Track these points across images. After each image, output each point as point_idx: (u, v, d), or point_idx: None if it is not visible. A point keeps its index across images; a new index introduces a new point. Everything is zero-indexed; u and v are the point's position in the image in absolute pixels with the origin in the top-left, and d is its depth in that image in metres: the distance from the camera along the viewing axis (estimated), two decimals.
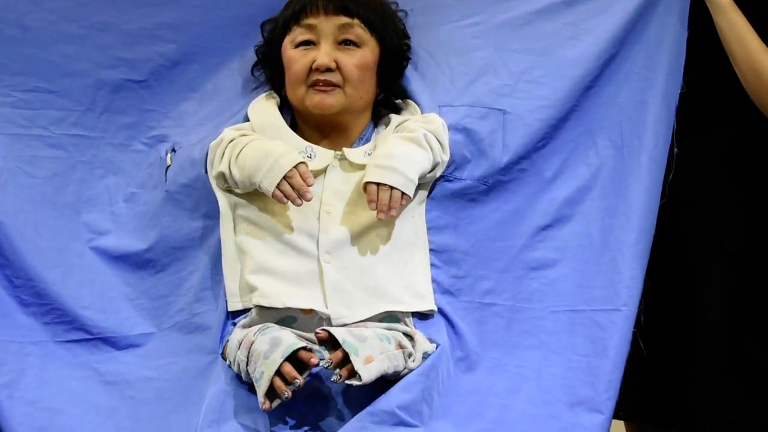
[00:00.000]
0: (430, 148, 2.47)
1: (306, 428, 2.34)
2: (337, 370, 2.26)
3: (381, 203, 2.38)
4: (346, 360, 2.27)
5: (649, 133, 2.56)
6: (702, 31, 2.61)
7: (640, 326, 2.49)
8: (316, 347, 2.33)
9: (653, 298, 2.56)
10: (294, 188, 2.37)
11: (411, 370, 2.34)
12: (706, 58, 2.62)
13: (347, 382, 2.26)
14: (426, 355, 2.38)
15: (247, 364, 2.33)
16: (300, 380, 2.24)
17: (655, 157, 2.56)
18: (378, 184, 2.39)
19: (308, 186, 2.37)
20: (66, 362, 2.44)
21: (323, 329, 2.29)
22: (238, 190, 2.46)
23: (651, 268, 2.52)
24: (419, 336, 2.40)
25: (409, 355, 2.35)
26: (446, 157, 2.50)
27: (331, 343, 2.29)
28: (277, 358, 2.26)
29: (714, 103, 2.65)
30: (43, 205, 2.53)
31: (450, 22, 2.64)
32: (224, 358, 2.41)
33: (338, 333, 2.28)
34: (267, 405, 2.26)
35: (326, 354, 2.30)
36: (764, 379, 2.61)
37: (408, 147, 2.44)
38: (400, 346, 2.35)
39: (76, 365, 2.44)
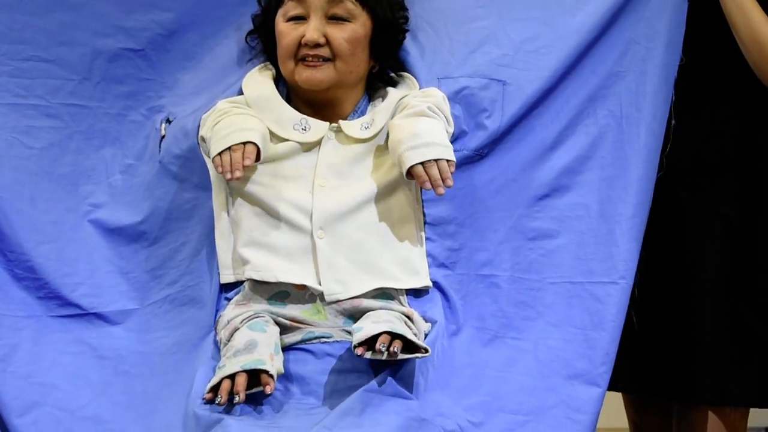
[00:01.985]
0: (437, 114, 2.45)
1: (305, 397, 2.34)
2: (392, 347, 2.22)
3: (434, 179, 2.35)
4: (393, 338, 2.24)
5: (648, 104, 2.53)
6: (703, 2, 2.57)
7: (634, 299, 2.47)
8: (301, 336, 2.35)
9: (648, 270, 2.54)
10: (231, 162, 2.34)
11: None
12: (706, 29, 2.60)
13: (417, 356, 2.25)
14: (425, 335, 2.38)
15: (224, 345, 2.33)
16: (241, 397, 2.22)
17: (653, 128, 2.53)
18: (422, 164, 2.36)
19: (243, 165, 2.33)
20: (60, 337, 2.44)
21: (360, 347, 2.23)
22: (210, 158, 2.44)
23: (646, 240, 2.50)
24: (417, 316, 2.39)
25: (414, 335, 2.34)
26: (451, 129, 2.48)
27: (370, 342, 2.25)
28: (238, 363, 2.25)
29: (714, 74, 2.63)
30: (40, 176, 2.52)
31: None
32: (216, 334, 2.41)
33: (373, 328, 2.24)
34: (209, 396, 2.25)
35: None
36: (761, 348, 2.60)
37: (423, 121, 2.41)
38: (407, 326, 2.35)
39: (69, 340, 2.44)
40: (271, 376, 2.25)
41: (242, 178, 2.40)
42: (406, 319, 2.37)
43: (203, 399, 2.25)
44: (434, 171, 2.36)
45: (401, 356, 2.23)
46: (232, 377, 2.24)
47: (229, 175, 2.34)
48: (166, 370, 2.42)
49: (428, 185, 2.35)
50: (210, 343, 2.41)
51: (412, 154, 2.36)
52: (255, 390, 2.25)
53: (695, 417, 2.65)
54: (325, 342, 2.38)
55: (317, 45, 2.42)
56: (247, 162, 2.34)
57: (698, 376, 2.60)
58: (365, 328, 2.26)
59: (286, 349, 2.37)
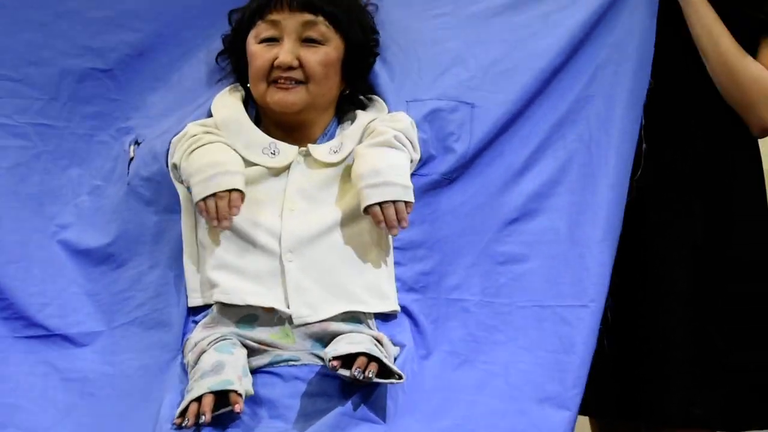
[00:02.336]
0: (404, 145, 2.44)
1: (273, 421, 2.31)
2: (367, 370, 2.22)
3: (389, 221, 2.36)
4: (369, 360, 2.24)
5: (617, 128, 2.54)
6: (672, 26, 2.59)
7: (606, 323, 2.47)
8: (269, 359, 2.34)
9: (620, 294, 2.54)
10: (217, 210, 2.34)
11: None
12: (675, 53, 2.61)
13: (392, 381, 2.24)
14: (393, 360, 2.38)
15: (191, 369, 2.32)
16: (206, 417, 2.20)
17: (622, 152, 2.54)
18: (380, 204, 2.36)
19: (231, 215, 2.34)
20: (24, 358, 2.41)
21: (336, 360, 2.23)
22: (184, 185, 2.43)
23: (618, 264, 2.50)
24: (386, 339, 2.39)
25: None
26: (417, 156, 2.48)
27: (346, 360, 2.24)
28: (205, 385, 2.23)
29: (683, 98, 2.64)
30: (6, 196, 2.49)
31: (420, 12, 2.61)
32: (183, 356, 2.39)
33: (349, 348, 2.24)
34: (178, 421, 2.23)
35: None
36: (727, 371, 2.60)
37: (387, 154, 2.41)
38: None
39: (35, 361, 2.41)
40: (240, 395, 2.23)
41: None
42: (377, 343, 2.36)
43: (173, 424, 2.23)
44: (390, 212, 2.36)
45: (375, 380, 2.22)
46: (198, 399, 2.22)
47: (215, 223, 2.34)
48: (132, 392, 2.40)
49: (382, 226, 2.36)
50: (177, 366, 2.39)
51: (370, 193, 2.37)
52: (223, 410, 2.23)
53: None
54: (293, 365, 2.36)
55: (290, 68, 2.42)
56: (235, 212, 2.34)
57: (665, 397, 2.60)
58: (340, 347, 2.26)
59: (254, 372, 2.34)
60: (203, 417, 2.20)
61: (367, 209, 2.37)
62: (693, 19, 2.58)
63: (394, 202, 2.37)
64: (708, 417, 2.60)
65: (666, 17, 2.57)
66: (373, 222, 2.37)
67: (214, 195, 2.34)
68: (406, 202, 2.38)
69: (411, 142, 2.47)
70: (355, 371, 2.20)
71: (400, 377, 2.25)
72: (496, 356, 2.44)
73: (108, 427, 2.35)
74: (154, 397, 2.34)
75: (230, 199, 2.35)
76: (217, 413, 2.22)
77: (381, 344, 2.36)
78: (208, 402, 2.21)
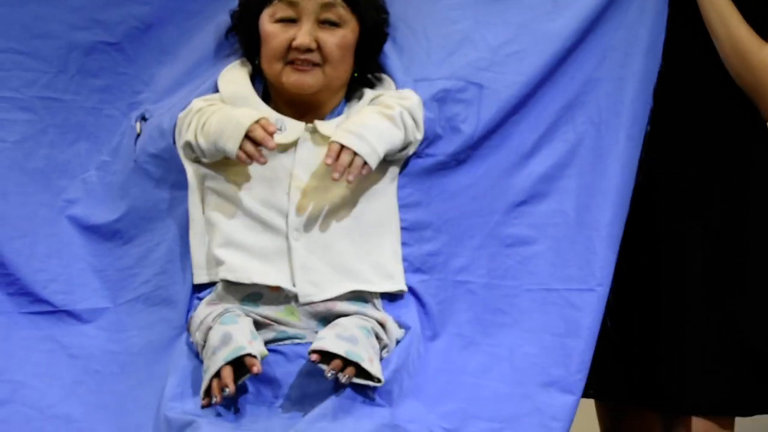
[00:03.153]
0: (405, 127, 2.43)
1: (277, 400, 2.32)
2: (342, 374, 2.24)
3: (340, 164, 2.34)
4: (345, 364, 2.25)
5: (627, 111, 2.52)
6: (683, 9, 2.56)
7: (608, 305, 2.47)
8: (273, 335, 2.34)
9: (624, 276, 2.54)
10: (258, 140, 2.32)
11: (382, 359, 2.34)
12: (686, 36, 2.59)
13: (369, 383, 2.26)
14: (397, 342, 2.38)
15: (202, 348, 2.32)
16: (230, 389, 2.22)
17: (632, 135, 2.52)
18: (342, 146, 2.35)
19: (271, 134, 2.32)
20: (30, 334, 2.41)
21: (315, 353, 2.24)
22: (205, 160, 2.42)
23: (622, 247, 2.49)
24: (390, 323, 2.38)
25: (384, 347, 2.35)
26: (420, 136, 2.47)
27: (326, 355, 2.25)
28: (220, 359, 2.24)
29: (694, 82, 2.62)
30: (13, 170, 2.49)
31: None
32: (189, 334, 2.39)
33: (333, 344, 2.24)
34: (205, 401, 2.24)
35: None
36: (748, 355, 2.60)
37: (382, 121, 2.40)
38: (377, 338, 2.34)
39: (40, 338, 2.41)
40: (255, 356, 2.24)
41: (219, 178, 2.39)
42: (379, 328, 2.36)
43: (202, 406, 2.25)
44: (346, 158, 2.34)
45: (354, 380, 2.25)
46: (218, 374, 2.23)
47: (263, 159, 2.33)
48: (137, 369, 2.40)
49: (329, 161, 2.34)
50: (182, 343, 2.39)
51: (341, 134, 2.36)
52: (244, 378, 2.25)
53: (683, 422, 2.64)
54: (298, 343, 2.37)
55: (308, 50, 2.40)
56: (271, 128, 2.33)
57: (682, 381, 2.59)
58: (326, 339, 2.26)
59: None
60: (227, 390, 2.21)
61: (330, 144, 2.35)
62: (705, 4, 2.56)
63: (355, 153, 2.35)
64: (728, 401, 2.59)
65: (677, 1, 2.55)
66: (325, 157, 2.35)
67: (246, 137, 2.33)
68: (365, 163, 2.36)
69: (415, 121, 2.46)
70: (329, 373, 2.22)
71: (379, 381, 2.26)
72: (502, 339, 2.44)
73: (113, 404, 2.36)
74: (159, 374, 2.35)
75: (261, 125, 2.33)
76: (240, 382, 2.24)
77: (384, 327, 2.37)
78: (227, 374, 2.23)
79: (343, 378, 2.23)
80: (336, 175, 2.34)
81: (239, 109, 2.41)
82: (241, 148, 2.33)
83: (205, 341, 2.32)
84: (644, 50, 2.53)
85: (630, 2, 2.53)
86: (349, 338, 2.27)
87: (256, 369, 2.22)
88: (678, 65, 2.57)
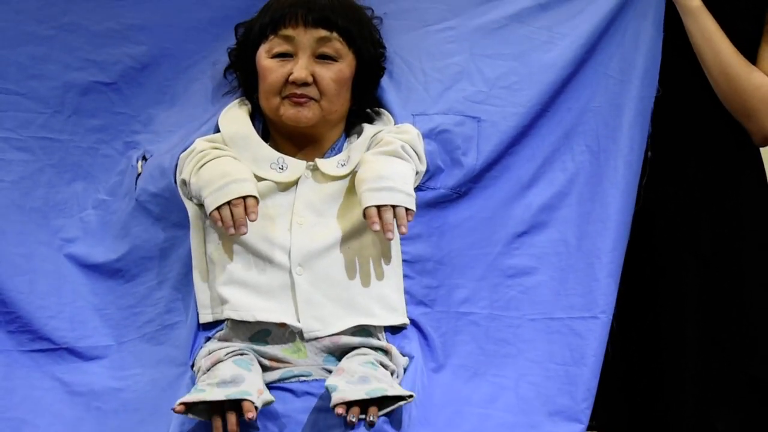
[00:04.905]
0: (410, 156, 2.44)
1: None
2: (367, 416, 2.21)
3: (386, 223, 2.33)
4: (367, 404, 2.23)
5: (625, 137, 2.53)
6: (678, 34, 2.58)
7: (613, 333, 2.47)
8: (279, 375, 2.33)
9: (627, 303, 2.54)
10: (233, 217, 2.32)
11: None
12: (680, 61, 2.60)
13: (402, 403, 2.23)
14: (404, 370, 2.38)
15: (203, 373, 2.31)
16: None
17: (630, 161, 2.53)
18: (378, 208, 2.34)
19: (249, 220, 2.32)
20: (31, 372, 2.40)
21: (340, 407, 2.20)
22: (195, 201, 2.41)
23: (624, 274, 2.50)
24: (394, 350, 2.38)
25: (392, 373, 2.34)
26: (423, 168, 2.47)
27: (354, 403, 2.22)
28: (222, 394, 2.21)
29: (690, 106, 2.63)
30: (11, 209, 2.48)
31: (425, 26, 2.59)
32: (193, 370, 2.37)
33: (351, 392, 2.21)
34: (179, 408, 2.20)
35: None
36: (741, 384, 2.59)
37: (392, 162, 2.40)
38: (383, 366, 2.33)
39: (41, 375, 2.41)
40: (256, 407, 2.21)
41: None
42: (383, 357, 2.35)
43: (172, 409, 2.21)
44: (388, 215, 2.34)
45: (386, 411, 2.22)
46: (219, 411, 2.21)
47: (232, 231, 2.32)
48: (140, 407, 2.39)
49: (376, 227, 2.33)
50: (186, 381, 2.37)
51: (370, 195, 2.35)
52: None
53: None
54: (305, 381, 2.35)
55: (305, 84, 2.40)
56: (252, 218, 2.32)
57: (681, 412, 2.59)
58: (340, 388, 2.23)
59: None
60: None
61: (366, 211, 2.34)
62: (693, 29, 2.57)
63: (394, 207, 2.35)
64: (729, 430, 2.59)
65: (672, 25, 2.56)
66: (368, 224, 2.34)
67: (228, 204, 2.32)
68: (407, 209, 2.36)
69: (417, 154, 2.46)
70: (352, 417, 2.19)
71: (411, 396, 2.24)
72: (507, 369, 2.44)
73: None
74: (163, 411, 2.32)
75: (246, 205, 2.33)
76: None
77: (389, 355, 2.36)
78: (233, 420, 2.20)
79: (369, 418, 2.20)
80: (390, 235, 2.33)
81: (240, 165, 2.40)
82: (218, 209, 2.33)
83: (208, 369, 2.30)
84: (640, 76, 2.55)
85: (625, 29, 2.55)
86: (361, 379, 2.26)
87: (250, 415, 2.19)
88: (672, 90, 2.58)
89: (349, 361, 2.33)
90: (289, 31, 2.42)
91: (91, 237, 2.51)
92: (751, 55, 2.61)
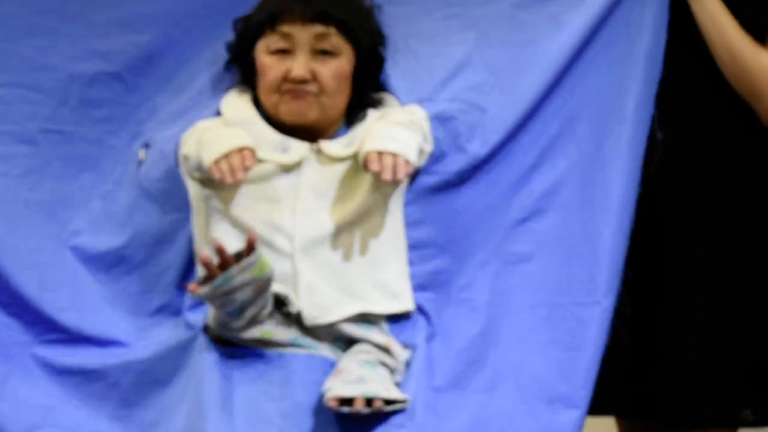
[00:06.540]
0: (416, 131, 2.44)
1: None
2: (371, 408, 2.25)
3: (386, 165, 2.33)
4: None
5: (629, 121, 2.52)
6: (683, 17, 2.56)
7: (626, 319, 2.47)
8: (291, 335, 2.37)
9: (636, 289, 2.55)
10: (231, 166, 2.34)
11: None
12: (686, 43, 2.59)
13: (397, 407, 2.28)
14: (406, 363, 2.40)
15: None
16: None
17: (634, 145, 2.52)
18: (379, 152, 2.35)
19: (245, 168, 2.34)
20: (49, 361, 2.43)
21: (333, 400, 2.25)
22: (197, 175, 2.43)
23: (632, 257, 2.50)
24: (395, 346, 2.40)
25: (393, 371, 2.36)
26: (429, 148, 2.48)
27: (344, 401, 2.26)
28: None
29: (696, 89, 2.62)
30: (18, 204, 2.49)
31: (429, 13, 2.60)
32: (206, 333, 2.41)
33: (346, 390, 2.25)
34: (194, 286, 2.27)
35: None
36: (749, 370, 2.61)
37: (398, 128, 2.41)
38: (383, 364, 2.36)
39: (60, 364, 2.43)
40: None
41: (223, 199, 2.40)
42: (383, 355, 2.38)
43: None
44: (388, 159, 2.34)
45: (385, 409, 2.26)
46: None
47: (230, 179, 2.33)
48: (157, 373, 2.42)
49: (375, 167, 2.33)
50: (200, 362, 2.38)
51: (372, 143, 2.37)
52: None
53: None
54: (313, 353, 2.38)
55: (304, 81, 2.42)
56: (249, 163, 2.34)
57: (686, 398, 2.60)
58: (337, 388, 2.26)
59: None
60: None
61: (366, 155, 2.35)
62: (699, 11, 2.55)
63: (394, 154, 2.36)
64: (732, 416, 2.60)
65: (677, 7, 2.55)
66: (368, 167, 2.34)
67: (225, 156, 2.35)
68: (407, 161, 2.37)
69: (423, 132, 2.47)
70: (360, 408, 2.23)
71: (405, 401, 2.28)
72: (507, 356, 2.45)
73: (139, 417, 2.39)
74: (180, 380, 2.37)
75: (242, 156, 2.35)
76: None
77: (389, 351, 2.39)
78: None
79: (377, 404, 2.24)
80: (387, 175, 2.32)
81: (237, 130, 2.42)
82: (216, 162, 2.35)
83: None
84: (645, 60, 2.53)
85: (629, 13, 2.54)
86: (357, 380, 2.28)
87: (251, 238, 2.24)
88: (680, 72, 2.57)
89: (348, 361, 2.36)
90: (286, 28, 2.42)
91: (96, 227, 2.53)
92: (759, 36, 2.58)
